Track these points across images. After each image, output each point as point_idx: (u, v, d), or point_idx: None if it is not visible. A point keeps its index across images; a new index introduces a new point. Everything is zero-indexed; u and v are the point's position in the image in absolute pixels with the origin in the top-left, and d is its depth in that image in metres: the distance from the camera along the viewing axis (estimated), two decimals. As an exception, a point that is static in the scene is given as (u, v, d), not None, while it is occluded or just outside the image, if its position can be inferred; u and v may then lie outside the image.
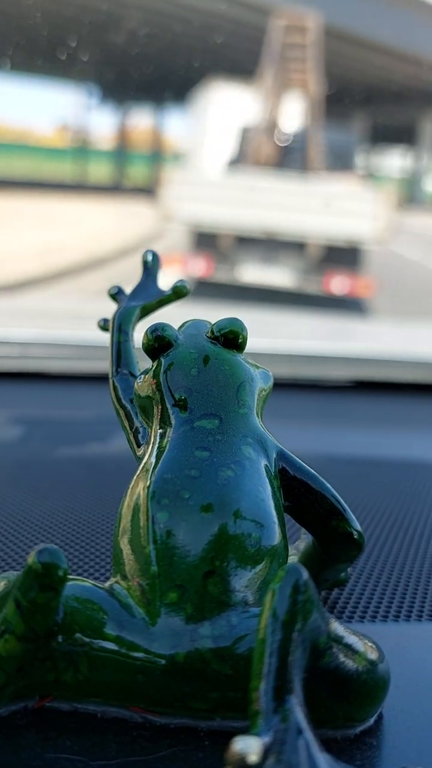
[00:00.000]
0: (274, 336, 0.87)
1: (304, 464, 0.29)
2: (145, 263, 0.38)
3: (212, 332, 0.30)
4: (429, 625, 0.33)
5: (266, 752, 0.19)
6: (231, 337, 0.29)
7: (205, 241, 4.61)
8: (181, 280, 0.37)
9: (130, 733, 0.25)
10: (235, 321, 0.30)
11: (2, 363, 0.74)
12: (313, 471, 0.29)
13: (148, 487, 0.26)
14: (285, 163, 5.31)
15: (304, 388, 0.75)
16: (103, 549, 0.39)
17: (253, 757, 0.18)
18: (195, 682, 0.24)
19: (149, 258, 0.38)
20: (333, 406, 0.73)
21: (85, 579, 0.26)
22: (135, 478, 0.28)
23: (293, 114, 5.58)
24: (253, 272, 4.60)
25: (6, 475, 0.49)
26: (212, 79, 6.52)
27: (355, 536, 0.29)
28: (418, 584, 0.37)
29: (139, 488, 0.27)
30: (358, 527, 0.29)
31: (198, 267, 4.52)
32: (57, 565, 0.22)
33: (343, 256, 4.62)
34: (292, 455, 0.29)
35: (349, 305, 4.43)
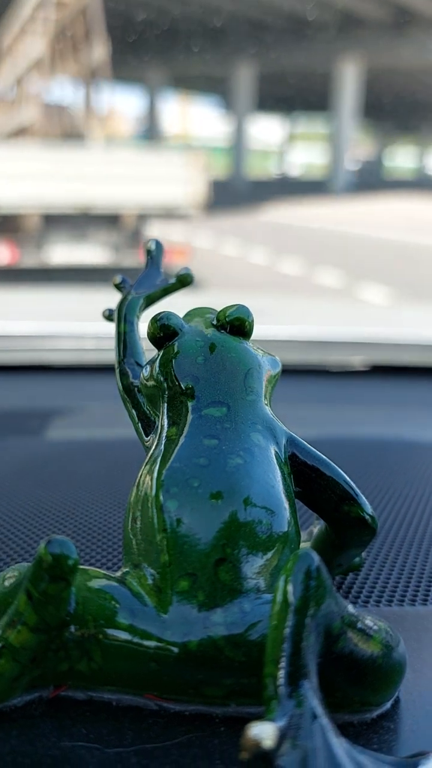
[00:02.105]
0: (282, 322, 0.86)
1: (314, 450, 0.29)
2: (148, 252, 0.37)
3: (218, 320, 0.30)
4: None
5: (281, 737, 0.19)
6: (237, 324, 0.29)
7: (5, 224, 4.14)
8: (185, 268, 0.36)
9: (145, 721, 0.25)
10: (241, 308, 0.29)
11: (10, 356, 0.74)
12: (323, 456, 0.29)
13: (157, 476, 0.26)
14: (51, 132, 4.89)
15: (313, 373, 0.75)
16: (113, 539, 0.39)
17: (269, 742, 0.18)
18: (208, 670, 0.24)
19: (153, 247, 0.37)
20: (342, 391, 0.73)
21: (97, 569, 0.26)
22: (143, 467, 0.28)
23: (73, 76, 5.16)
24: (63, 253, 4.19)
25: (16, 466, 0.49)
26: None
27: (368, 520, 0.29)
28: None
29: (147, 477, 0.27)
30: (371, 511, 0.29)
31: (1, 255, 4.08)
32: (67, 556, 0.22)
33: (154, 224, 4.32)
34: (302, 441, 0.29)
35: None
